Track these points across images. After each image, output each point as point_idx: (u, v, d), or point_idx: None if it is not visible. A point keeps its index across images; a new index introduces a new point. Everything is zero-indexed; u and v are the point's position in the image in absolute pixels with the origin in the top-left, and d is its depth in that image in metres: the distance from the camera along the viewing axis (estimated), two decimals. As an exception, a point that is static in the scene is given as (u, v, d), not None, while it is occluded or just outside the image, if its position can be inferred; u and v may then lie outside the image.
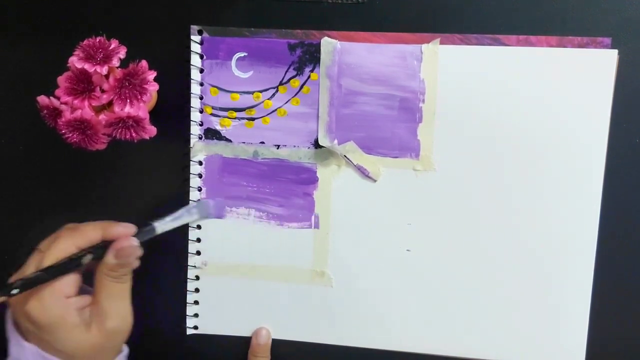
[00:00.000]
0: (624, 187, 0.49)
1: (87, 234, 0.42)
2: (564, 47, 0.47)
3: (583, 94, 0.48)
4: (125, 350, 0.46)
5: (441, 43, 0.48)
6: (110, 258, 0.42)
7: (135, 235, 0.43)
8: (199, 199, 0.52)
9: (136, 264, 0.44)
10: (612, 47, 0.47)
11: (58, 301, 0.40)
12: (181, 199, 0.53)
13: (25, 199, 0.55)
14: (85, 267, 0.42)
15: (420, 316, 0.51)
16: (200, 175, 0.52)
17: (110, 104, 0.44)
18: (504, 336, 0.51)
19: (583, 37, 0.47)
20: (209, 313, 0.54)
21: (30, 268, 0.41)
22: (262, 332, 0.53)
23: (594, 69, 0.47)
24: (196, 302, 0.54)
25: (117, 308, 0.43)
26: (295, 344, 0.53)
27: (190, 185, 0.52)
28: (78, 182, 0.54)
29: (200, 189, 0.52)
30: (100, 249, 0.42)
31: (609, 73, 0.47)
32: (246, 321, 0.53)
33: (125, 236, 0.42)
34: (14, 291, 0.38)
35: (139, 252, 0.43)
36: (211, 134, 0.52)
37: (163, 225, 0.46)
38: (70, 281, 0.41)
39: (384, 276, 0.51)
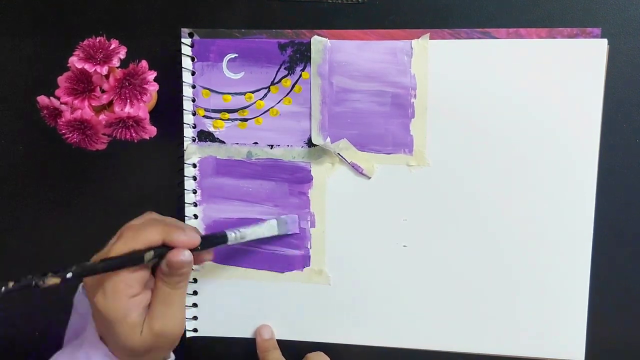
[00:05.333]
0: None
1: (148, 237, 0.41)
2: (554, 38, 0.47)
3: (574, 85, 0.48)
4: (172, 357, 0.46)
5: (431, 38, 0.48)
6: (164, 266, 0.41)
7: (204, 242, 0.43)
8: (277, 217, 0.52)
9: (190, 273, 0.43)
10: (602, 36, 0.47)
11: (119, 300, 0.40)
12: (176, 202, 0.53)
13: (25, 199, 0.55)
14: (151, 264, 0.41)
15: (418, 312, 0.51)
16: (194, 178, 0.52)
17: (110, 104, 0.44)
18: (502, 331, 0.50)
19: (572, 28, 0.47)
20: (207, 315, 0.54)
21: (106, 250, 0.42)
22: (265, 328, 0.53)
23: (584, 59, 0.47)
24: (195, 305, 0.54)
25: (167, 312, 0.42)
26: (295, 344, 0.53)
27: (185, 187, 0.52)
28: (78, 182, 0.54)
29: (195, 192, 0.52)
30: (164, 248, 0.42)
31: (600, 63, 0.47)
32: (245, 322, 0.53)
33: (182, 247, 0.41)
34: (69, 275, 0.38)
35: (192, 265, 0.42)
36: (204, 136, 0.52)
37: (236, 235, 0.47)
38: (134, 279, 0.40)
39: (381, 272, 0.51)
